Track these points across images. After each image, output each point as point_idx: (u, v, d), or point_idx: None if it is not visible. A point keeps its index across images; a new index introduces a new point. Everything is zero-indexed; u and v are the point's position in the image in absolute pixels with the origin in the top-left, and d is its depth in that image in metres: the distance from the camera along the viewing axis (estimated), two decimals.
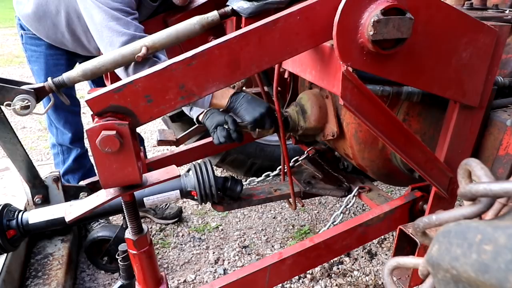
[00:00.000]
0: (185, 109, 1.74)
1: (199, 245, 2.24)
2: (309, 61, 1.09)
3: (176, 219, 2.43)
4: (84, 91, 4.57)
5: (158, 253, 2.16)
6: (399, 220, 1.42)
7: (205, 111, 1.64)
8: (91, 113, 0.86)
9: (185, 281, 1.97)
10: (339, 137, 1.56)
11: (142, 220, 1.10)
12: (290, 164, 1.92)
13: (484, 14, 1.35)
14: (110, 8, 1.48)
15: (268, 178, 1.99)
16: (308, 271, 1.99)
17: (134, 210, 1.05)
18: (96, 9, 1.49)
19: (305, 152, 2.01)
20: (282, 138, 1.60)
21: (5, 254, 1.59)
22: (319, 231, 1.86)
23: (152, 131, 3.95)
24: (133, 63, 1.47)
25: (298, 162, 2.00)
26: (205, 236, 2.33)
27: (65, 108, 2.02)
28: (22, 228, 1.46)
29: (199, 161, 1.63)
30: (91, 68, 1.34)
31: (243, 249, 2.21)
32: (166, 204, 2.43)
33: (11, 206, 1.53)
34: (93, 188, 1.86)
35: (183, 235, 2.33)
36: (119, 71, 1.55)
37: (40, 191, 1.76)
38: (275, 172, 1.99)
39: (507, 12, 1.43)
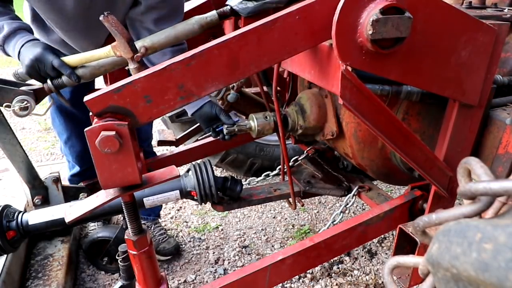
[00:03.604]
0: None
1: (199, 245, 2.24)
2: (308, 60, 1.09)
3: (169, 257, 2.08)
4: None
5: None
6: (399, 219, 1.42)
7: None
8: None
9: (185, 281, 1.97)
10: (338, 136, 1.56)
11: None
12: (290, 164, 1.92)
13: (483, 13, 1.35)
14: None
15: (268, 178, 1.99)
16: (308, 271, 1.99)
17: (134, 210, 1.05)
18: None
19: (305, 151, 2.01)
20: (281, 137, 1.60)
21: (5, 255, 1.59)
22: (319, 230, 1.86)
23: None
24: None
25: (298, 162, 2.00)
26: (205, 236, 2.33)
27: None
28: (22, 229, 1.46)
29: (198, 161, 1.63)
30: (90, 69, 1.34)
31: (243, 249, 2.21)
32: (165, 237, 2.10)
33: (10, 207, 1.52)
34: (92, 189, 1.86)
35: (183, 235, 2.33)
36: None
37: (40, 192, 1.76)
38: (274, 172, 1.99)
39: (506, 10, 1.43)
